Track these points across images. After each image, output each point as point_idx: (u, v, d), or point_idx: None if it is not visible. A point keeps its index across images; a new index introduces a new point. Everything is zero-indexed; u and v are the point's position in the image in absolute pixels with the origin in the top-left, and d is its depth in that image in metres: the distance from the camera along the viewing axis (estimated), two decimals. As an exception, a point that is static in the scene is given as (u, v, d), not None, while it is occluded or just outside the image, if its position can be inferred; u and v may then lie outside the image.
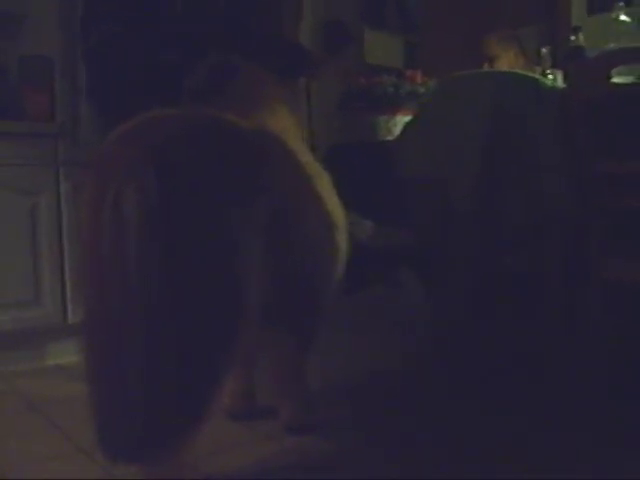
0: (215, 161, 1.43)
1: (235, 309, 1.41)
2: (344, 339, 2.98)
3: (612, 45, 2.49)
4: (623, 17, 2.61)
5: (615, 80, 2.05)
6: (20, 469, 1.79)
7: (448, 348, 2.63)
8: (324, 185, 1.93)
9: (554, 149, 2.14)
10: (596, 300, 2.04)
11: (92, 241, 1.36)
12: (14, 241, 2.82)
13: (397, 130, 2.99)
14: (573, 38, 2.71)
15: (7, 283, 2.80)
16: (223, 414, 2.04)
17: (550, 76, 2.69)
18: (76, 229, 1.47)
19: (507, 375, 2.37)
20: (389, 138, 3.14)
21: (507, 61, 3.35)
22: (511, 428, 1.99)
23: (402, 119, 3.09)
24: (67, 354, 2.81)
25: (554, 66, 2.84)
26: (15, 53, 3.09)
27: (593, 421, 2.01)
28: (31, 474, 1.75)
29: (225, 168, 1.44)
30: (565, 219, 2.17)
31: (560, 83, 2.61)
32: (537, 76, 2.47)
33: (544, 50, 2.92)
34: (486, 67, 3.34)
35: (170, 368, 1.29)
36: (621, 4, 2.66)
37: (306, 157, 1.93)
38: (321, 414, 2.10)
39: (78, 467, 1.79)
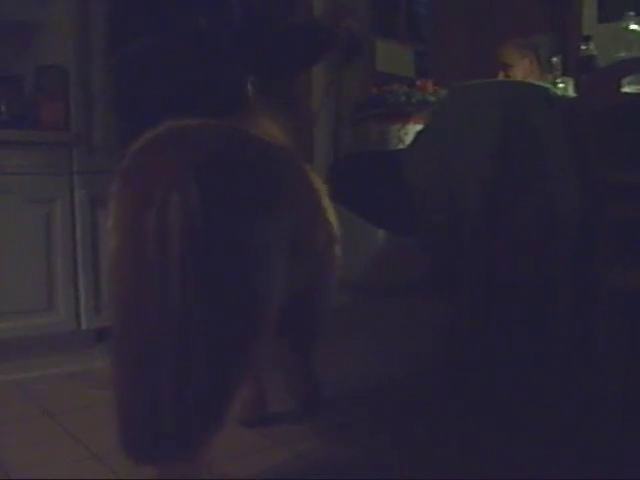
0: (249, 173, 1.49)
1: (260, 315, 1.48)
2: (360, 344, 3.00)
3: (623, 54, 2.48)
4: (634, 26, 2.61)
5: (626, 89, 2.05)
6: (32, 474, 1.81)
7: (461, 354, 2.63)
8: (325, 196, 2.00)
9: (564, 158, 2.15)
10: (604, 309, 2.04)
11: (134, 247, 1.40)
12: (28, 248, 2.86)
13: (409, 139, 3.00)
14: (584, 47, 2.71)
15: (21, 290, 2.83)
16: (235, 421, 2.05)
17: (561, 85, 2.69)
18: (111, 236, 1.51)
19: (516, 380, 2.37)
20: (401, 147, 3.15)
21: (522, 69, 3.34)
22: (520, 432, 2.00)
23: (414, 128, 3.10)
24: (80, 361, 2.83)
25: (565, 75, 2.84)
26: (30, 62, 3.13)
27: (595, 424, 2.01)
28: (43, 478, 1.77)
29: (258, 180, 1.50)
30: (574, 228, 2.17)
31: (571, 92, 2.62)
32: (548, 85, 2.47)
33: (555, 59, 2.92)
34: (501, 75, 3.33)
35: (200, 372, 1.33)
36: (632, 13, 2.65)
37: (310, 170, 1.99)
38: (334, 419, 2.15)
39: (89, 472, 1.80)
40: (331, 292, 2.07)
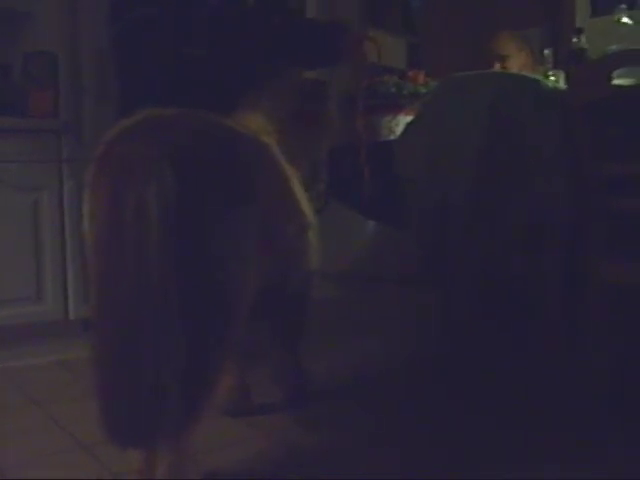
0: (222, 164, 1.51)
1: (234, 302, 1.50)
2: (350, 337, 3.00)
3: (614, 47, 2.49)
4: (625, 19, 2.63)
5: (616, 82, 2.06)
6: (20, 465, 1.80)
7: (451, 349, 2.63)
8: (297, 185, 1.99)
9: (555, 151, 2.15)
10: (596, 302, 2.05)
11: (111, 237, 1.41)
12: (16, 237, 2.84)
13: (399, 130, 2.99)
14: (575, 40, 2.71)
15: (9, 279, 2.81)
16: (221, 411, 2.05)
17: (552, 77, 2.69)
18: (88, 222, 1.54)
19: (507, 376, 2.37)
20: (391, 138, 3.14)
21: (519, 61, 3.32)
22: (511, 429, 2.00)
23: (404, 119, 3.09)
24: (68, 350, 2.82)
25: (556, 67, 2.84)
26: (19, 49, 3.10)
27: (591, 422, 2.02)
28: (31, 469, 1.77)
29: (230, 171, 1.52)
30: (565, 221, 2.17)
31: (562, 84, 2.62)
32: (539, 77, 2.47)
33: (547, 51, 2.92)
34: (497, 67, 3.31)
35: (177, 356, 1.36)
36: (623, 7, 2.66)
37: (282, 159, 1.98)
38: (322, 410, 2.16)
39: (78, 462, 1.80)
40: (307, 282, 2.08)
